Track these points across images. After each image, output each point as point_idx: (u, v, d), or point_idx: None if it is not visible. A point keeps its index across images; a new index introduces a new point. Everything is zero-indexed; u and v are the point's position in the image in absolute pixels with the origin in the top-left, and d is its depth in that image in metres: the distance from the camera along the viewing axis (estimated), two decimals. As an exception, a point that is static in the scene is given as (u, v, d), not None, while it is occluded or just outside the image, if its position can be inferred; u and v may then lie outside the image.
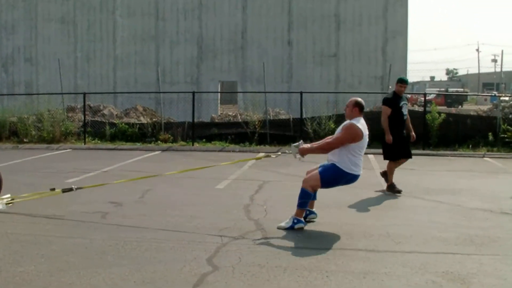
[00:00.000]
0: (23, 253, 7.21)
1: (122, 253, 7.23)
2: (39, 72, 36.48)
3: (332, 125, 20.92)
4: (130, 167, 16.09)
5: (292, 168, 14.80)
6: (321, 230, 8.48)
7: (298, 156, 8.88)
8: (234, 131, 22.20)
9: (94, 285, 6.02)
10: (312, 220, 8.95)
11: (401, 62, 33.11)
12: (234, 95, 37.42)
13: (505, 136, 19.90)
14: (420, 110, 23.65)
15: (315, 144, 9.14)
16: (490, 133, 20.35)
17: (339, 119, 21.34)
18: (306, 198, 8.55)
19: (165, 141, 21.99)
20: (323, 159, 8.97)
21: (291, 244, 7.70)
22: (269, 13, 33.79)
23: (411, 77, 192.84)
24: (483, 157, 18.65)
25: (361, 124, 8.54)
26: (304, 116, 21.88)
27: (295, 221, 8.45)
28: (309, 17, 33.54)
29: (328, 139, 8.89)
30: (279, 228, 8.45)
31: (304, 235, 8.16)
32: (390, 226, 8.81)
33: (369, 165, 15.82)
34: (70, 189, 9.80)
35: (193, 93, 22.76)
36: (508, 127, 20.06)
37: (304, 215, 8.76)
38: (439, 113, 20.84)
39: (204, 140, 22.09)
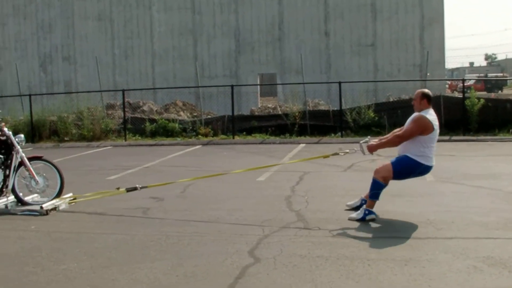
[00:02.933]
0: (66, 251, 7.29)
1: (164, 248, 7.26)
2: (77, 71, 36.82)
3: (372, 114, 20.80)
4: (171, 162, 16.17)
5: (331, 159, 14.69)
6: (359, 220, 8.39)
7: (367, 152, 8.84)
8: (274, 123, 22.20)
9: (136, 280, 6.05)
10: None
11: (439, 49, 32.80)
12: (274, 87, 37.37)
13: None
14: (459, 96, 23.37)
15: (383, 138, 9.02)
16: (530, 117, 20.05)
17: (379, 108, 21.26)
18: (377, 189, 8.47)
19: (205, 135, 22.06)
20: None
21: (332, 234, 7.65)
22: (305, 4, 33.67)
23: (450, 64, 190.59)
24: (525, 141, 18.40)
25: (431, 115, 8.42)
26: (343, 106, 21.77)
27: (367, 212, 8.40)
28: (345, 7, 33.36)
29: (397, 131, 8.82)
30: (350, 219, 8.41)
31: (344, 225, 8.10)
32: (431, 212, 8.73)
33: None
34: (135, 188, 9.95)
35: (232, 86, 22.78)
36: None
37: (359, 203, 8.83)
38: (478, 98, 20.57)
39: (244, 133, 22.12)
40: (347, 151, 9.85)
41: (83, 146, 21.52)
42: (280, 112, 23.15)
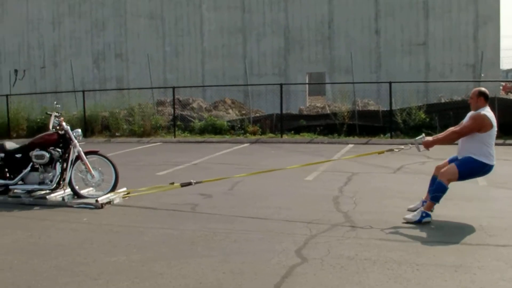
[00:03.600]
0: (116, 243, 7.42)
1: (212, 244, 7.31)
2: (129, 68, 37.24)
3: (423, 115, 20.57)
4: (219, 159, 16.26)
5: (380, 159, 14.61)
6: (407, 223, 8.31)
7: (422, 149, 8.81)
8: (322, 123, 22.14)
9: (184, 275, 6.11)
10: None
11: (493, 49, 32.22)
12: (323, 86, 37.25)
13: None
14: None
15: (440, 135, 8.96)
16: None
17: (430, 109, 21.00)
18: (441, 192, 8.39)
19: (253, 133, 22.12)
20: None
21: (380, 236, 7.59)
22: (356, 1, 33.45)
23: (505, 64, 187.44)
24: None
25: (488, 112, 8.36)
26: (393, 106, 21.57)
27: (424, 214, 8.34)
28: (396, 5, 33.02)
29: (453, 128, 8.75)
30: (406, 220, 8.38)
31: (392, 227, 8.03)
32: (483, 218, 8.57)
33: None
34: (189, 183, 10.10)
35: (281, 85, 22.79)
36: None
37: (420, 206, 8.73)
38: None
39: (292, 132, 22.12)
40: (402, 147, 9.77)
41: (133, 141, 21.79)
42: (328, 112, 23.07)
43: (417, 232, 7.84)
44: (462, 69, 31.67)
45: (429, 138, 8.72)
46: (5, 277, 6.23)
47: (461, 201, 9.87)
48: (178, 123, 23.56)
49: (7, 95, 26.80)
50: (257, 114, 24.35)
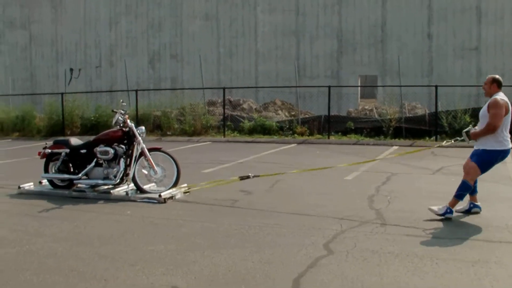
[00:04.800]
0: (156, 234, 7.92)
1: (246, 237, 7.74)
2: (184, 68, 37.89)
3: (468, 119, 20.67)
4: (265, 159, 16.67)
5: (424, 161, 14.83)
6: (438, 220, 8.61)
7: (470, 140, 9.08)
8: (369, 125, 22.36)
9: (215, 264, 6.55)
10: (475, 212, 9.07)
11: (547, 55, 32.02)
12: (376, 89, 37.39)
13: None
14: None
15: (484, 127, 9.26)
16: None
17: (476, 113, 20.99)
18: (464, 191, 8.78)
19: (301, 134, 22.47)
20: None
21: (407, 233, 7.90)
22: (409, 6, 33.48)
23: None
24: None
25: (503, 97, 8.68)
26: (440, 109, 21.69)
27: (448, 210, 8.73)
28: (449, 9, 32.95)
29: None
30: (430, 210, 8.83)
31: (420, 225, 8.32)
32: (510, 217, 8.82)
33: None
34: (247, 177, 10.64)
35: (329, 87, 23.14)
36: None
37: (468, 208, 9.04)
38: None
39: (339, 133, 22.40)
40: (451, 141, 10.28)
41: (184, 140, 22.32)
42: (376, 114, 23.29)
43: (443, 229, 8.14)
44: (515, 74, 31.45)
45: (477, 130, 8.99)
46: (51, 262, 6.78)
47: (493, 201, 10.05)
48: (228, 123, 24.04)
49: (62, 93, 27.61)
50: (306, 116, 24.70)
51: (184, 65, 37.75)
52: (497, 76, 8.92)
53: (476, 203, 9.12)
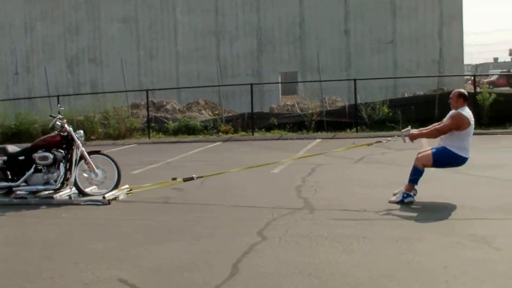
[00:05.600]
0: (98, 234, 8.17)
1: (184, 230, 8.09)
2: (103, 71, 37.81)
3: (386, 110, 21.43)
4: (192, 157, 16.98)
5: (344, 152, 15.39)
6: (362, 204, 9.17)
7: (407, 141, 9.62)
8: (292, 120, 22.90)
9: (157, 256, 6.88)
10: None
11: (457, 46, 33.34)
12: (297, 86, 38.08)
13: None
14: (471, 91, 23.93)
15: (424, 130, 9.78)
16: (543, 111, 20.52)
17: (393, 104, 21.90)
18: (417, 175, 9.27)
19: (226, 132, 22.84)
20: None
21: (335, 217, 8.42)
22: (326, 3, 34.36)
23: (475, 60, 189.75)
24: (534, 134, 18.96)
25: (467, 112, 9.18)
26: (359, 102, 22.39)
27: (405, 195, 9.21)
28: (365, 5, 33.97)
29: (436, 125, 9.60)
30: (390, 202, 9.26)
31: (347, 209, 8.86)
32: (428, 197, 9.48)
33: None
34: (191, 178, 10.79)
35: (251, 85, 23.58)
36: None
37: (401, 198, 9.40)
38: (490, 93, 21.12)
39: (263, 129, 22.86)
40: (389, 139, 10.79)
41: (108, 144, 22.34)
42: (297, 109, 23.88)
43: (369, 212, 8.66)
44: (428, 66, 32.60)
45: (415, 131, 9.54)
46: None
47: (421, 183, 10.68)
48: (153, 125, 24.18)
49: (-22, 103, 27.08)
50: (230, 114, 25.09)
51: (104, 68, 37.68)
52: (462, 91, 9.39)
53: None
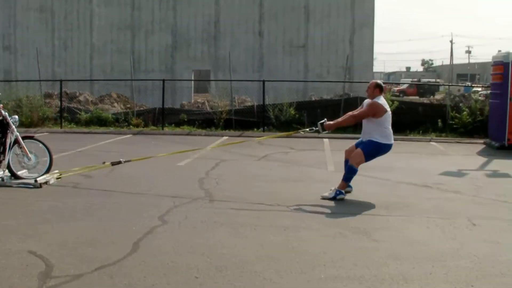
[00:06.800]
0: (9, 213, 8.69)
1: (89, 212, 8.70)
2: (17, 60, 37.55)
3: (292, 112, 22.29)
4: (103, 148, 17.39)
5: (249, 149, 16.18)
6: (260, 197, 9.91)
7: (324, 131, 10.35)
8: (202, 117, 23.48)
9: (64, 233, 7.46)
10: (348, 191, 10.19)
11: (367, 53, 34.71)
12: (208, 84, 38.70)
13: (453, 122, 21.38)
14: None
15: (340, 119, 10.57)
16: (439, 120, 21.71)
17: (300, 106, 22.81)
18: (351, 174, 10.01)
19: (136, 125, 23.23)
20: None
21: (232, 207, 9.16)
22: (241, 4, 35.15)
23: (388, 68, 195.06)
24: (430, 141, 20.07)
25: (382, 101, 9.96)
26: (268, 103, 23.16)
27: (338, 192, 9.88)
28: (279, 8, 34.92)
29: (351, 113, 10.38)
30: (323, 198, 9.89)
31: (244, 200, 9.61)
32: (319, 194, 10.20)
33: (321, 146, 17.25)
34: (119, 162, 11.18)
35: (163, 80, 24.07)
36: (456, 114, 21.53)
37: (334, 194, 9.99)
38: (392, 101, 22.22)
39: (173, 125, 23.39)
40: (307, 130, 11.33)
41: (21, 131, 21.93)
42: (207, 107, 24.55)
43: (264, 203, 9.42)
44: (339, 71, 33.71)
45: (330, 122, 10.27)
46: None
47: (308, 182, 11.57)
48: (65, 115, 24.34)
49: None
50: (141, 108, 25.51)
51: (18, 57, 37.43)
52: (379, 81, 10.23)
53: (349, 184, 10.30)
